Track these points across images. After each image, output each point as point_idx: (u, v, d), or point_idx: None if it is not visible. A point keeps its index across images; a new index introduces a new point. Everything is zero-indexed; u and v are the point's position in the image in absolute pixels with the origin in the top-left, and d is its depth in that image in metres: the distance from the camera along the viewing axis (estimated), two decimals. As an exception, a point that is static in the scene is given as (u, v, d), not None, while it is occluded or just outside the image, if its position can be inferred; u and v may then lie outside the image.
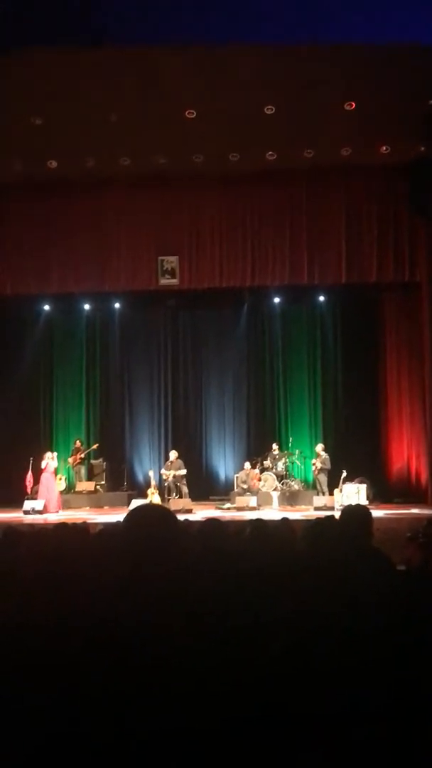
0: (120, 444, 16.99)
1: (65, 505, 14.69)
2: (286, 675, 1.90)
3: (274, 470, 15.64)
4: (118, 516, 11.30)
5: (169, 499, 14.69)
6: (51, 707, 1.76)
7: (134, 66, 11.08)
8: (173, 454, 15.46)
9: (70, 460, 16.17)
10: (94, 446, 16.48)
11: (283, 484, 15.45)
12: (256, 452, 16.26)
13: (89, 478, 16.21)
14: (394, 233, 14.31)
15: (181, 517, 6.68)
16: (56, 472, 14.88)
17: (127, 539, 2.24)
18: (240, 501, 14.38)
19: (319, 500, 14.01)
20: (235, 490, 15.35)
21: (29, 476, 14.89)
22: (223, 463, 16.95)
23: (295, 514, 12.56)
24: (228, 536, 3.91)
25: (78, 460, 16.19)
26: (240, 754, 1.70)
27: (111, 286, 14.98)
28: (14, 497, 14.65)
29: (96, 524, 8.72)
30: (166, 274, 14.62)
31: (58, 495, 14.58)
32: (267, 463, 15.81)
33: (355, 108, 12.04)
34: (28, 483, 14.86)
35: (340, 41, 10.31)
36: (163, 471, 15.52)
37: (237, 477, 15.62)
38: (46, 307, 16.55)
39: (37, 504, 13.89)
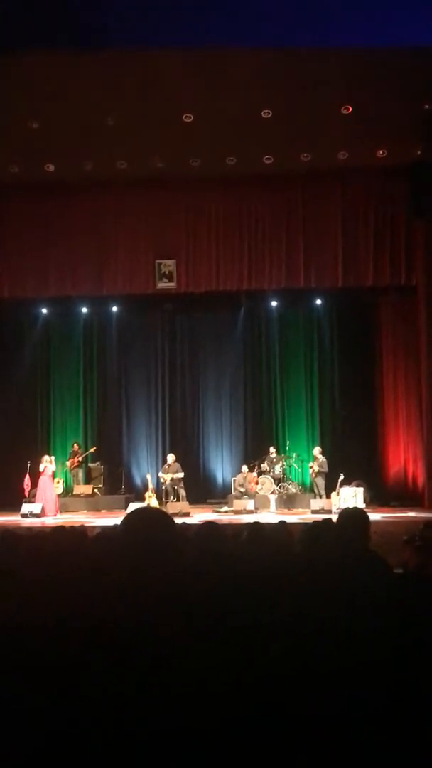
0: (117, 447, 16.99)
1: (63, 509, 14.68)
2: (284, 677, 1.91)
3: (271, 473, 15.64)
4: (115, 519, 11.28)
5: (166, 503, 14.69)
6: (50, 709, 1.77)
7: (132, 68, 11.07)
8: (171, 458, 15.46)
9: (68, 463, 16.16)
10: (92, 449, 16.48)
11: (280, 487, 15.45)
12: (253, 455, 16.26)
13: (87, 482, 16.20)
14: (391, 237, 14.35)
15: (178, 520, 6.69)
16: (54, 475, 14.88)
17: (125, 542, 2.24)
18: (237, 504, 14.38)
19: (317, 503, 14.02)
20: (233, 493, 15.35)
21: (27, 479, 14.89)
22: (221, 467, 16.94)
23: (293, 517, 12.56)
24: (225, 539, 3.91)
25: (75, 464, 16.18)
26: (239, 755, 1.70)
27: (108, 289, 15.00)
28: (12, 500, 14.64)
29: (94, 527, 8.70)
30: (164, 277, 14.64)
31: (55, 498, 14.58)
32: (264, 466, 15.81)
33: (352, 111, 12.07)
34: (25, 486, 14.86)
35: (338, 44, 10.28)
36: (160, 474, 15.52)
37: (234, 480, 15.62)
38: (44, 310, 16.56)
39: (35, 507, 13.88)
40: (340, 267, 14.37)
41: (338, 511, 11.27)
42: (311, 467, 15.19)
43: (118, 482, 16.22)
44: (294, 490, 15.53)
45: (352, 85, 11.52)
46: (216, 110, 12.08)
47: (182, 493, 15.09)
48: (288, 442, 16.47)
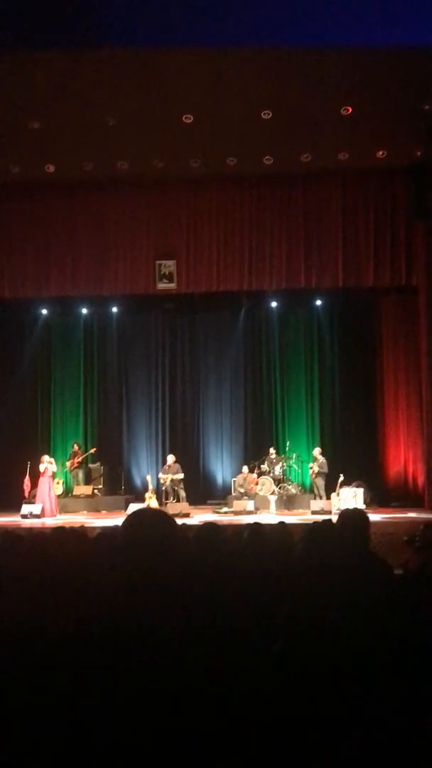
0: (117, 448, 16.98)
1: (63, 509, 14.67)
2: (284, 678, 1.90)
3: (271, 474, 15.64)
4: (115, 520, 11.27)
5: (166, 503, 14.69)
6: (50, 709, 1.77)
7: (132, 68, 11.07)
8: (171, 458, 15.46)
9: (68, 464, 16.16)
10: (92, 450, 16.47)
11: (280, 488, 15.45)
12: (253, 456, 16.26)
13: (87, 482, 16.19)
14: (392, 237, 14.34)
15: (178, 521, 6.68)
16: (54, 476, 14.87)
17: (125, 543, 2.24)
18: (237, 505, 14.37)
19: (317, 504, 14.01)
20: (233, 494, 15.35)
21: (27, 480, 14.88)
22: (221, 467, 16.94)
23: (293, 518, 12.55)
24: (225, 540, 3.91)
25: (76, 464, 16.18)
26: (238, 756, 1.70)
27: (109, 289, 14.99)
28: (12, 501, 14.64)
29: (94, 528, 8.70)
30: (164, 278, 14.63)
31: (55, 499, 14.58)
32: (264, 467, 15.81)
33: (352, 112, 12.07)
34: (25, 487, 14.85)
35: (338, 44, 10.27)
36: (160, 475, 15.52)
37: (234, 481, 15.62)
38: (44, 311, 16.55)
39: (35, 508, 13.87)
40: (340, 267, 14.37)
41: (338, 511, 11.25)
42: (311, 468, 15.18)
43: (118, 483, 16.22)
44: (294, 491, 15.52)
45: (352, 85, 11.51)
46: (216, 110, 12.08)
47: (182, 493, 15.08)
48: (288, 443, 16.46)
